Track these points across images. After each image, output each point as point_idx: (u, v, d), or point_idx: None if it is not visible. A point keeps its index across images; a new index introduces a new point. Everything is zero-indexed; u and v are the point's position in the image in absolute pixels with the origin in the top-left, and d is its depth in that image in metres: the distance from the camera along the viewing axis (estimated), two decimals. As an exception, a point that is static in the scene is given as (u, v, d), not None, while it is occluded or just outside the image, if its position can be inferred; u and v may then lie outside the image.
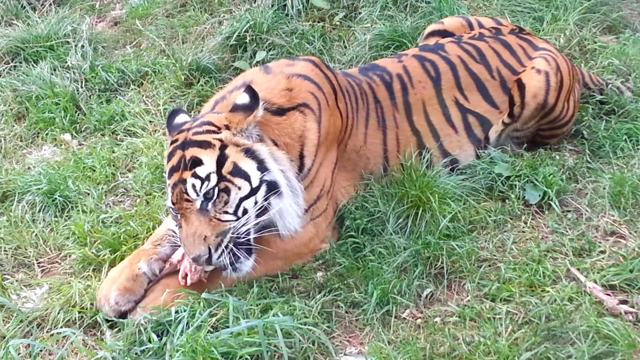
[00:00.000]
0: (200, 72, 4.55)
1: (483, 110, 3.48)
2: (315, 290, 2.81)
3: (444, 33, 3.85)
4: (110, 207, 3.56)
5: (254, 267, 2.79)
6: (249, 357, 2.42)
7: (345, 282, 2.84)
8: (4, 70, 4.95)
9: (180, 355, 2.41)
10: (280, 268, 2.92)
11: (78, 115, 4.45)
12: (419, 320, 2.68)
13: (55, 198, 3.56)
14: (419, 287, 2.80)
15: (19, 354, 2.67)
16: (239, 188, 2.73)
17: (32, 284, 3.09)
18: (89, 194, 3.63)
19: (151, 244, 2.97)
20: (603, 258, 2.83)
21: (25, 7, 5.77)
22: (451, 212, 3.02)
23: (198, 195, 2.68)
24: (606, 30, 4.47)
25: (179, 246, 2.80)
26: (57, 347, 2.69)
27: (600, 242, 2.93)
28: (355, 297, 2.76)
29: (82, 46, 4.95)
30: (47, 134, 4.32)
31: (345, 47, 4.66)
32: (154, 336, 2.55)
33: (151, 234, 3.11)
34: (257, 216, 2.77)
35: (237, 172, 2.74)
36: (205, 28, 5.10)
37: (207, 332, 2.51)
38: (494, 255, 2.92)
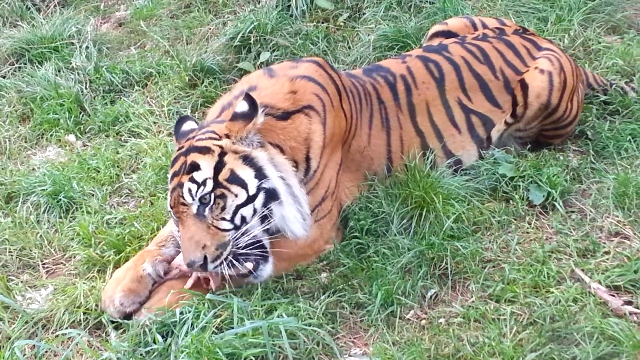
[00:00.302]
0: (204, 73, 4.56)
1: (486, 110, 3.48)
2: (320, 291, 2.81)
3: (447, 34, 3.85)
4: (114, 208, 3.57)
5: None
6: (253, 358, 2.42)
7: (349, 283, 2.84)
8: (8, 71, 4.97)
9: (185, 356, 2.41)
10: (285, 269, 2.92)
11: (82, 116, 4.46)
12: (423, 321, 2.68)
13: (60, 199, 3.57)
14: (424, 288, 2.80)
15: (24, 355, 2.67)
16: (236, 195, 2.73)
17: (37, 285, 3.10)
18: (93, 195, 3.64)
19: (155, 245, 2.98)
20: (607, 259, 2.82)
21: (30, 8, 5.80)
22: (455, 213, 3.02)
23: (194, 199, 2.68)
24: (610, 31, 4.46)
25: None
26: (62, 348, 2.69)
27: (604, 243, 2.92)
28: (360, 298, 2.76)
29: (87, 47, 4.97)
30: (51, 135, 4.33)
31: (350, 47, 4.66)
32: (158, 337, 2.56)
33: (155, 235, 3.11)
34: (260, 224, 2.78)
35: (234, 179, 2.74)
36: (210, 29, 5.10)
37: (212, 333, 2.51)
38: (498, 256, 2.92)
